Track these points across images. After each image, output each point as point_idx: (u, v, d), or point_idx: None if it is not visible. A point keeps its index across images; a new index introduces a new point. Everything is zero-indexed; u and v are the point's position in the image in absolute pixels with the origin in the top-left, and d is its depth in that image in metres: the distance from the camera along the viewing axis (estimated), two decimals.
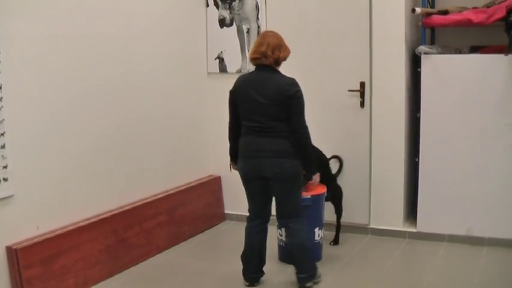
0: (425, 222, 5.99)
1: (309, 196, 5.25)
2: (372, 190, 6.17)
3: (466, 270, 5.22)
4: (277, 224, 5.25)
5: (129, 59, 5.56)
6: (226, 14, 6.57)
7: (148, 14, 5.82)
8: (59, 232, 4.72)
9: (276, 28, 6.02)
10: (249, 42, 6.49)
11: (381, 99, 6.01)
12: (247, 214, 5.05)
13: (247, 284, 4.99)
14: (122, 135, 5.49)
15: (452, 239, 5.86)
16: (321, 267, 5.16)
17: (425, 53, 5.76)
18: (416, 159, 6.00)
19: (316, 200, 5.36)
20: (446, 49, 5.92)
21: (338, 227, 5.93)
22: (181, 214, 6.17)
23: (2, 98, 4.27)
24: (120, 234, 5.32)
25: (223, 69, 6.69)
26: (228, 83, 6.53)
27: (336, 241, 5.93)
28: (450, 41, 6.13)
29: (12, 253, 4.35)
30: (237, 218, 6.80)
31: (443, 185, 5.87)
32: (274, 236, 5.47)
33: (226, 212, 6.93)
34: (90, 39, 5.07)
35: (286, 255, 5.35)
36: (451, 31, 6.12)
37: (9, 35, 4.30)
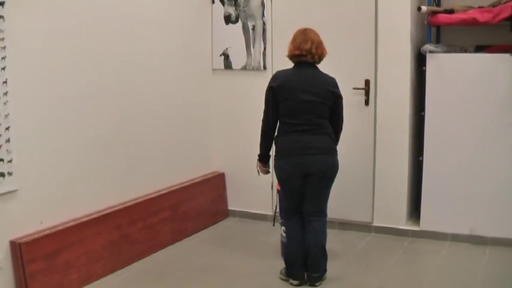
0: (428, 221, 5.98)
1: None
2: (375, 188, 6.17)
3: (468, 269, 5.22)
4: (280, 221, 5.26)
5: (134, 55, 5.56)
6: (231, 10, 6.57)
7: (154, 10, 5.82)
8: (62, 227, 4.73)
9: (281, 26, 6.06)
10: (254, 39, 6.49)
11: (386, 97, 6.00)
12: (286, 213, 5.00)
13: (296, 283, 4.90)
14: (126, 131, 5.50)
15: (456, 238, 5.86)
16: None
17: (430, 52, 5.75)
18: (420, 158, 6.00)
19: None
20: (452, 48, 5.91)
21: None
22: (185, 210, 6.18)
23: (7, 92, 4.27)
24: (124, 230, 5.32)
25: (228, 65, 6.68)
26: (233, 79, 6.62)
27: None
28: (455, 40, 6.12)
29: (16, 247, 4.36)
30: (241, 214, 6.82)
31: (447, 184, 5.87)
32: (277, 233, 5.48)
33: (229, 208, 6.94)
34: (96, 35, 5.08)
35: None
36: (456, 30, 6.11)
37: (14, 31, 4.30)
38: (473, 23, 5.58)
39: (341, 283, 4.97)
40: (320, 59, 4.74)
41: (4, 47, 4.23)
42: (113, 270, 5.16)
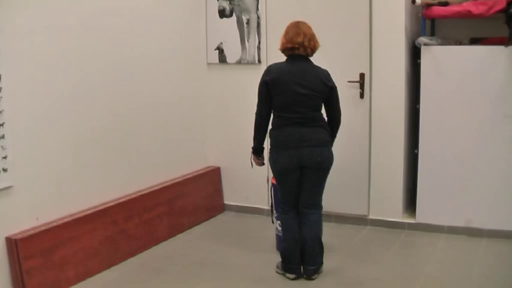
0: (424, 214, 6.00)
1: None
2: (371, 181, 6.18)
3: (465, 261, 5.23)
4: (275, 215, 5.27)
5: (129, 50, 5.55)
6: (226, 4, 6.55)
7: (148, 4, 5.81)
8: (58, 223, 4.72)
9: (276, 19, 6.05)
10: (248, 33, 6.48)
11: (381, 90, 6.00)
12: (282, 207, 4.99)
13: (292, 277, 4.91)
14: (121, 126, 5.49)
15: (452, 230, 5.87)
16: None
17: (425, 45, 5.75)
18: (416, 151, 6.00)
19: None
20: (446, 40, 5.91)
21: None
22: (181, 205, 6.17)
23: (1, 88, 4.26)
24: (120, 225, 5.32)
25: (223, 60, 6.67)
26: (228, 73, 6.61)
27: None
28: (450, 33, 6.12)
29: (12, 244, 4.35)
30: (237, 209, 6.83)
31: (443, 177, 5.88)
32: (273, 227, 5.49)
33: (225, 202, 6.94)
34: (90, 30, 5.06)
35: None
36: (451, 22, 6.11)
37: (8, 26, 4.29)
38: (467, 15, 5.58)
39: (337, 276, 4.98)
40: (313, 51, 4.75)
41: None
42: (109, 266, 5.16)
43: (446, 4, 5.72)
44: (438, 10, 5.72)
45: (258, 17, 6.42)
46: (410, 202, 6.28)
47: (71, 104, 4.91)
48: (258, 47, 6.46)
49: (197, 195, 6.46)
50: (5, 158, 4.32)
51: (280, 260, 5.02)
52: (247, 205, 6.74)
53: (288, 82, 4.66)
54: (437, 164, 5.89)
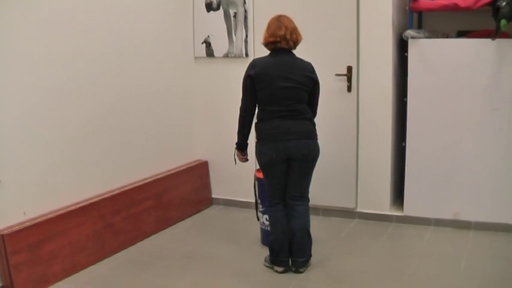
0: (412, 206, 6.01)
1: None
2: (358, 174, 6.19)
3: (452, 253, 5.25)
4: (261, 209, 5.29)
5: (115, 44, 5.52)
6: None
7: None
8: (46, 217, 4.71)
9: (263, 13, 6.02)
10: (235, 26, 6.46)
11: (368, 83, 6.01)
12: (269, 200, 4.98)
13: (280, 269, 4.92)
14: (108, 121, 5.47)
15: (439, 222, 5.90)
16: None
17: (412, 38, 5.76)
18: (403, 144, 6.01)
19: None
20: (434, 33, 5.92)
21: None
22: (169, 199, 6.17)
23: None
24: (108, 220, 5.31)
25: (210, 53, 6.66)
26: (216, 67, 6.60)
27: None
28: (437, 26, 6.13)
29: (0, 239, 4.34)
30: (224, 202, 6.83)
31: (430, 169, 5.89)
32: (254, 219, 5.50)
33: (213, 196, 6.94)
34: (75, 24, 5.03)
35: (267, 239, 5.32)
36: (438, 15, 6.11)
37: None
38: (454, 8, 5.59)
39: (326, 269, 4.99)
40: (295, 44, 4.76)
41: None
42: (97, 260, 5.15)
43: None
44: (425, 3, 5.72)
45: (245, 11, 6.40)
46: (398, 195, 6.30)
47: (58, 99, 4.88)
48: (245, 41, 6.45)
49: (185, 189, 6.46)
50: None
51: (268, 253, 5.02)
52: (235, 199, 6.74)
53: (272, 75, 4.67)
54: (424, 157, 5.90)
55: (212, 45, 6.63)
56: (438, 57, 5.74)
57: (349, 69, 6.01)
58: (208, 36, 6.63)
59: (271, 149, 4.73)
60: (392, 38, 5.88)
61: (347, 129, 6.11)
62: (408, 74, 5.85)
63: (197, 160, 6.85)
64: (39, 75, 4.69)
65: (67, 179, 5.02)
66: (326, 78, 5.97)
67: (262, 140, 4.79)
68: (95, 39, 5.26)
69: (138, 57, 5.84)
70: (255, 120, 4.87)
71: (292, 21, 4.76)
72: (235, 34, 6.47)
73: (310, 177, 4.92)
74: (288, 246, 4.91)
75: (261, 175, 5.10)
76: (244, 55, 6.45)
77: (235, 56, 6.51)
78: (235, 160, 5.11)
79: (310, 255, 4.99)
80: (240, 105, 4.85)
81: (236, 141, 4.97)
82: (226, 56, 6.55)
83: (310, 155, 4.76)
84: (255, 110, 4.83)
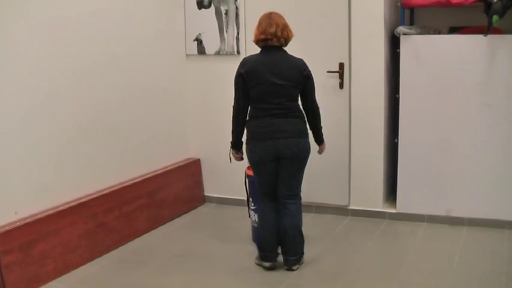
0: (405, 203, 6.01)
1: None
2: (351, 171, 6.18)
3: (446, 250, 5.26)
4: (254, 207, 5.30)
5: (107, 42, 5.50)
6: None
7: None
8: (37, 217, 4.68)
9: (254, 9, 6.01)
10: (227, 24, 6.45)
11: (360, 80, 6.00)
12: (260, 198, 5.00)
13: (267, 265, 4.92)
14: (100, 119, 5.45)
15: (432, 219, 5.90)
16: None
17: (404, 34, 5.75)
18: (396, 140, 6.01)
19: None
20: (425, 30, 5.92)
21: None
22: (161, 197, 6.15)
23: None
24: (100, 218, 5.28)
25: (201, 51, 6.64)
26: (207, 65, 6.59)
27: None
28: (429, 22, 6.13)
29: None
30: (217, 200, 6.82)
31: (423, 166, 5.90)
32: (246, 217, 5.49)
33: (206, 194, 6.92)
34: (67, 22, 5.01)
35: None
36: (430, 11, 6.11)
37: None
38: (446, 4, 5.59)
39: (319, 266, 4.98)
40: (286, 41, 4.75)
41: None
42: (89, 259, 5.13)
43: None
44: None
45: (237, 8, 6.39)
46: (391, 192, 6.30)
47: (49, 99, 4.86)
48: (236, 38, 6.44)
49: (177, 187, 6.44)
50: None
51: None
52: (228, 197, 6.73)
53: (263, 73, 4.66)
54: (417, 153, 5.90)
55: (204, 42, 6.61)
56: (430, 53, 5.74)
57: (341, 66, 6.01)
58: (199, 33, 6.61)
59: (260, 147, 4.73)
60: (384, 35, 5.88)
61: (339, 126, 6.10)
62: (400, 71, 5.85)
63: (190, 158, 6.84)
64: (29, 75, 4.66)
65: (59, 178, 5.00)
66: (318, 75, 5.94)
67: (252, 138, 4.79)
68: (85, 37, 5.23)
69: (130, 56, 5.82)
70: (247, 117, 4.87)
71: (283, 18, 4.74)
72: (226, 31, 6.46)
73: (302, 176, 4.91)
74: (277, 243, 4.91)
75: (251, 172, 5.09)
76: (235, 52, 6.44)
77: (226, 54, 6.49)
78: (230, 159, 5.10)
79: (303, 254, 4.98)
80: (232, 103, 4.84)
81: (231, 139, 4.96)
82: (217, 53, 6.53)
83: (300, 153, 4.76)
84: (247, 108, 4.82)
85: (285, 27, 4.71)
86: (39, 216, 4.71)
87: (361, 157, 6.12)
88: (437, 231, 5.73)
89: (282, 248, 4.92)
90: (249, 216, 5.51)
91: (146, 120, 6.09)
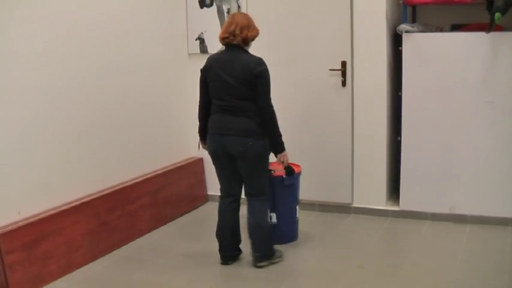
0: (408, 201, 6.01)
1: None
2: (354, 169, 6.17)
3: (449, 247, 5.25)
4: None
5: (109, 41, 5.49)
6: None
7: None
8: (40, 217, 4.68)
9: (256, 8, 6.01)
10: None
11: (363, 78, 5.99)
12: (220, 192, 5.09)
13: (221, 262, 5.05)
14: (103, 118, 5.45)
15: (435, 217, 5.89)
16: (304, 247, 5.27)
17: (406, 32, 5.75)
18: (399, 138, 6.00)
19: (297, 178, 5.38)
20: (428, 27, 5.91)
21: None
22: (164, 196, 6.15)
23: None
24: (103, 218, 5.29)
25: (204, 50, 6.64)
26: None
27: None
28: (431, 19, 6.12)
29: None
30: None
31: (426, 164, 5.89)
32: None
33: (209, 193, 6.92)
34: (70, 24, 5.01)
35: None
36: (432, 9, 6.10)
37: None
38: (448, 1, 5.59)
39: (322, 264, 4.99)
40: (245, 41, 4.76)
41: None
42: (93, 259, 5.13)
43: None
44: None
45: (239, 7, 6.38)
46: (394, 189, 6.29)
47: (52, 98, 4.86)
48: None
49: (180, 186, 6.44)
50: None
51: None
52: None
53: (217, 71, 4.78)
54: (420, 151, 5.89)
55: (206, 41, 6.61)
56: (432, 51, 5.73)
57: (344, 64, 6.00)
58: (202, 32, 6.61)
59: (211, 142, 4.90)
60: (386, 33, 5.87)
61: (342, 124, 6.09)
62: (403, 68, 5.84)
63: (192, 157, 6.83)
64: (32, 75, 4.66)
65: (62, 178, 5.00)
66: (320, 73, 5.98)
67: (208, 133, 4.93)
68: (88, 37, 5.23)
69: (132, 55, 5.82)
70: None
71: (247, 18, 4.80)
72: None
73: (260, 176, 4.91)
74: (230, 242, 5.06)
75: None
76: None
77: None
78: (198, 146, 5.26)
79: (270, 251, 5.00)
80: None
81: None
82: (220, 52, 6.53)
83: (247, 152, 4.74)
84: (207, 102, 4.93)
85: (245, 26, 4.74)
86: (42, 215, 4.71)
87: (363, 155, 6.11)
88: (441, 229, 5.72)
89: (235, 245, 5.12)
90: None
91: (149, 119, 6.09)
